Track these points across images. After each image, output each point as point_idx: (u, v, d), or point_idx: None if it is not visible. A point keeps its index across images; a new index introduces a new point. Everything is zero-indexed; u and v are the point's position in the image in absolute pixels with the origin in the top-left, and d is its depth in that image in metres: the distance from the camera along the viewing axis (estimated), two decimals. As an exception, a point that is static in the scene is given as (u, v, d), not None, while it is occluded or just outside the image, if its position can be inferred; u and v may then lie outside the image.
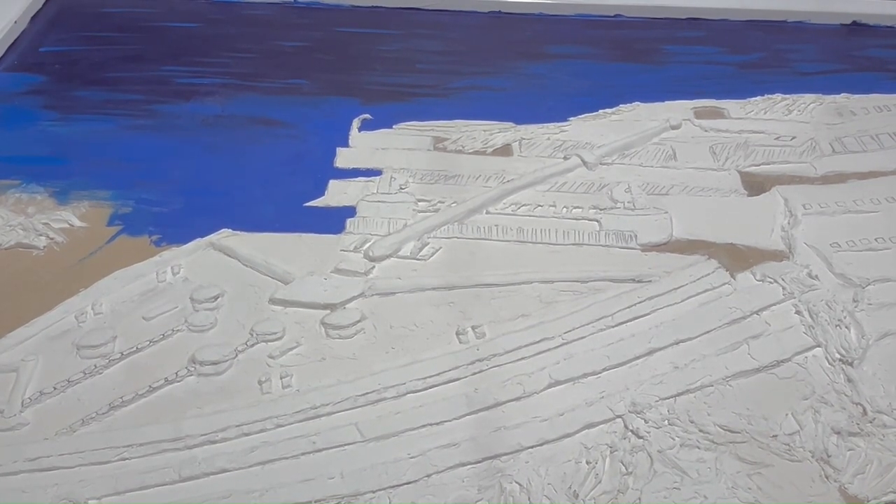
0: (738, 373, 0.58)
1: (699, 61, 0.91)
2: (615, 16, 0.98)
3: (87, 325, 0.60)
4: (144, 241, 0.68)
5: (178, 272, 0.65)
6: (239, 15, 0.97)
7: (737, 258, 0.66)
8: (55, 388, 0.56)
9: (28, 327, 0.60)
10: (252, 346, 0.59)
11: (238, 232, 0.68)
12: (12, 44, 0.91)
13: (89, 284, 0.63)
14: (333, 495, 0.51)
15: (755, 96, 0.84)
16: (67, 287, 0.63)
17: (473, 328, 0.61)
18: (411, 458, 0.53)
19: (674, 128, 0.80)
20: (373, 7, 0.99)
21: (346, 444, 0.53)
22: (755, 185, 0.74)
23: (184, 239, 0.67)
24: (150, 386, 0.56)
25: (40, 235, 0.68)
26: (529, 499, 0.51)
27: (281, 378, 0.57)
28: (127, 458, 0.52)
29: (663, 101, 0.84)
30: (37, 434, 0.54)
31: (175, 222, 0.69)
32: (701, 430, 0.54)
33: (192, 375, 0.57)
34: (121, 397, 0.56)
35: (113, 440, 0.53)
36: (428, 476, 0.52)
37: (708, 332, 0.60)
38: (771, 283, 0.64)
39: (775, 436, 0.54)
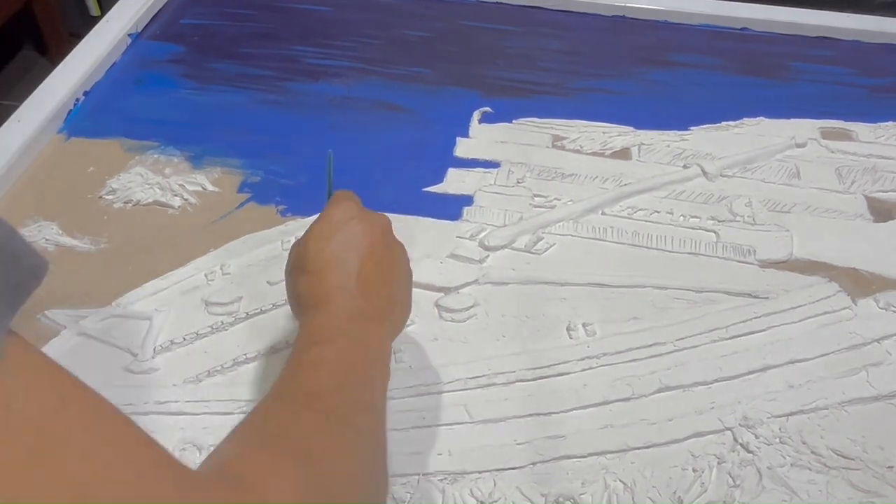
0: (855, 399, 0.56)
1: (828, 81, 0.88)
2: (742, 29, 0.96)
3: (216, 284, 0.64)
4: (271, 209, 0.71)
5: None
6: (367, 2, 1.00)
7: (859, 284, 0.65)
8: (184, 339, 0.60)
9: (162, 280, 0.64)
10: (368, 319, 0.61)
11: (359, 210, 0.70)
12: (156, 14, 0.96)
13: (219, 246, 0.67)
14: (440, 471, 0.52)
15: (887, 121, 0.82)
16: (199, 246, 0.67)
17: (584, 325, 0.61)
18: (518, 444, 0.54)
19: (799, 146, 0.78)
20: (497, 3, 1.00)
21: (454, 424, 0.55)
22: (883, 211, 0.72)
23: (308, 211, 0.70)
24: (271, 347, 0.59)
25: (175, 196, 0.72)
26: (633, 499, 0.51)
27: (394, 353, 0.59)
28: (247, 412, 0.55)
29: (789, 118, 0.82)
30: (166, 380, 0.57)
31: (300, 195, 0.72)
32: (813, 452, 0.53)
33: (311, 341, 0.59)
34: (244, 354, 0.59)
35: (235, 394, 0.56)
36: (533, 464, 0.53)
37: (825, 354, 0.59)
38: (895, 312, 0.62)
39: (891, 467, 0.53)
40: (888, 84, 0.88)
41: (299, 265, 0.49)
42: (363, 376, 0.44)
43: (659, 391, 0.57)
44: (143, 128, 0.79)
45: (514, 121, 0.81)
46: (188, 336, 0.60)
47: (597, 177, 0.74)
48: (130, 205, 0.71)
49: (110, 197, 0.71)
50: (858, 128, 0.81)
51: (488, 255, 0.67)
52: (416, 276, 0.63)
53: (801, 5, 0.98)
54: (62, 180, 0.73)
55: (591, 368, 0.58)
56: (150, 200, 0.71)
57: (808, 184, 0.74)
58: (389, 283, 0.49)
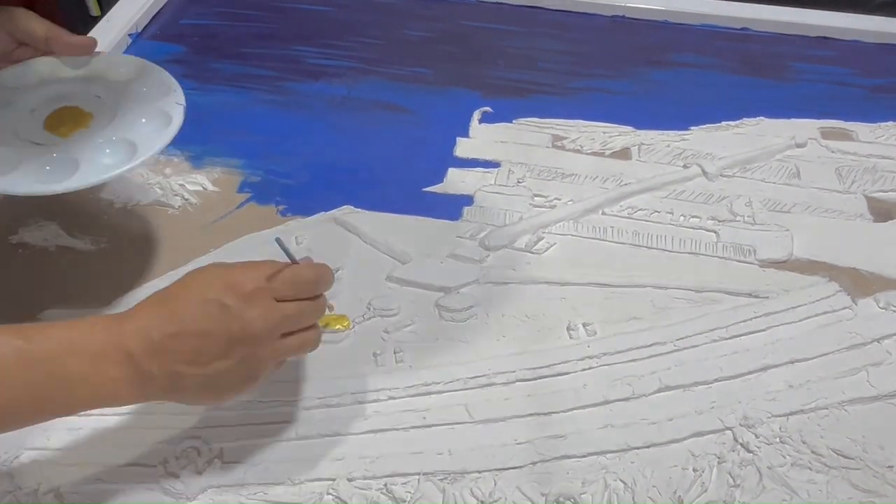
0: (855, 398, 0.56)
1: (828, 81, 0.88)
2: (742, 29, 0.96)
3: (216, 284, 0.64)
4: (271, 209, 0.71)
5: (301, 243, 0.67)
6: (367, 2, 1.00)
7: (859, 283, 0.65)
8: (185, 339, 0.60)
9: (162, 279, 0.64)
10: (369, 319, 0.61)
11: (359, 209, 0.70)
12: (156, 14, 0.96)
13: (219, 246, 0.67)
14: (441, 470, 0.52)
15: (887, 121, 0.82)
16: (199, 246, 0.67)
17: (584, 325, 0.61)
18: (518, 444, 0.54)
19: (799, 146, 0.78)
20: (497, 3, 1.00)
21: (454, 423, 0.55)
22: (883, 211, 0.72)
23: (308, 211, 0.70)
24: (272, 346, 0.59)
25: (176, 196, 0.72)
26: (634, 498, 0.51)
27: (395, 353, 0.59)
28: (248, 411, 0.55)
29: (789, 118, 0.82)
30: (166, 380, 0.57)
31: (300, 195, 0.72)
32: (813, 452, 0.53)
33: (311, 341, 0.60)
34: (245, 354, 0.59)
35: (236, 393, 0.56)
36: (533, 464, 0.53)
37: (825, 354, 0.59)
38: (895, 311, 0.62)
39: (891, 466, 0.53)
40: (888, 84, 0.88)
41: (182, 282, 0.46)
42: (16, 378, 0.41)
43: (659, 391, 0.57)
44: (143, 128, 0.79)
45: (514, 121, 0.81)
46: (188, 336, 0.60)
47: (597, 177, 0.74)
48: (131, 205, 0.71)
49: (110, 197, 0.71)
50: (858, 128, 0.81)
51: (488, 255, 0.67)
52: (417, 276, 0.64)
53: (801, 5, 0.98)
54: (62, 180, 0.73)
55: (591, 368, 0.58)
56: (151, 200, 0.71)
57: (809, 184, 0.74)
58: (192, 368, 0.44)
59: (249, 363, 0.45)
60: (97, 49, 0.63)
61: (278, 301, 0.46)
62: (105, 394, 0.43)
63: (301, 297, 0.47)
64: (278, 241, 0.48)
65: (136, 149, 0.56)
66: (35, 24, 0.61)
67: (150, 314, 0.44)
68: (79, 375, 0.42)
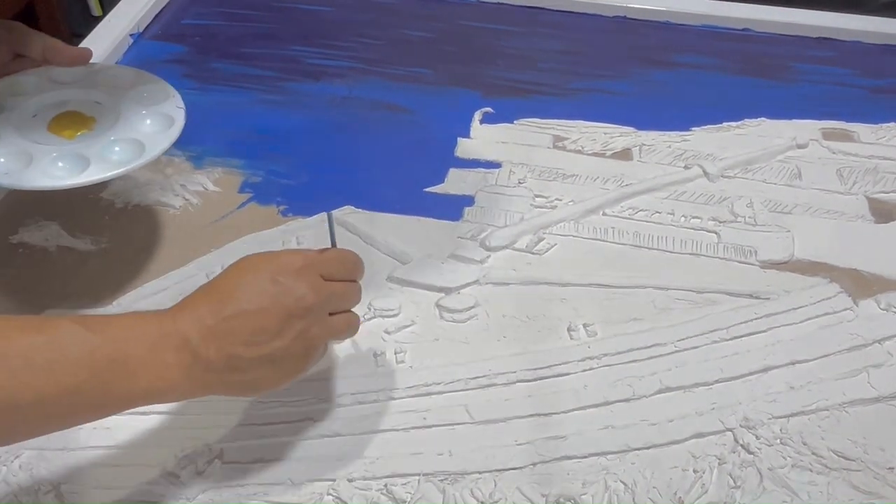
0: (855, 400, 0.56)
1: (829, 81, 0.88)
2: (743, 29, 0.96)
3: (217, 284, 0.64)
4: (272, 210, 0.71)
5: (302, 242, 0.67)
6: (367, 2, 1.00)
7: (860, 285, 0.65)
8: (185, 339, 0.60)
9: (163, 279, 0.64)
10: (369, 319, 0.61)
11: (360, 210, 0.70)
12: (157, 15, 0.96)
13: (221, 245, 0.67)
14: (441, 471, 0.52)
15: (888, 122, 0.82)
16: (200, 246, 0.67)
17: (585, 326, 0.61)
18: (518, 444, 0.54)
19: (800, 147, 0.78)
20: (498, 3, 1.00)
21: (455, 424, 0.55)
22: (883, 212, 0.72)
23: (309, 211, 0.70)
24: (272, 347, 0.59)
25: (176, 196, 0.72)
26: (634, 499, 0.51)
27: (395, 353, 0.59)
28: (248, 412, 0.55)
29: (790, 118, 0.82)
30: (167, 380, 0.57)
31: (301, 195, 0.72)
32: (814, 454, 0.53)
33: (312, 341, 0.60)
34: (245, 354, 0.59)
35: (236, 394, 0.56)
36: (534, 465, 0.53)
37: (826, 355, 0.59)
38: (895, 313, 0.62)
39: (892, 468, 0.53)
40: (889, 85, 0.88)
41: (228, 273, 0.46)
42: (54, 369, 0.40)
43: (660, 392, 0.57)
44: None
45: (515, 121, 0.81)
46: (189, 336, 0.60)
47: (598, 177, 0.74)
48: (131, 205, 0.71)
49: (111, 197, 0.71)
50: (860, 128, 0.81)
51: (489, 256, 0.67)
52: (418, 276, 0.64)
53: (802, 6, 0.98)
54: (63, 180, 0.73)
55: (591, 369, 0.58)
56: (151, 201, 0.71)
57: (810, 184, 0.74)
58: (251, 350, 0.44)
59: (304, 339, 0.45)
60: (92, 59, 0.64)
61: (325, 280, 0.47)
62: (164, 383, 0.42)
63: (346, 279, 0.49)
64: (329, 216, 0.50)
65: (144, 147, 0.58)
66: (33, 37, 0.63)
67: (201, 302, 0.44)
68: (139, 360, 0.42)
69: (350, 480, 0.51)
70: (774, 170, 0.76)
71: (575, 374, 0.58)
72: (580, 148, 0.78)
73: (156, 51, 0.90)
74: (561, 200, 0.72)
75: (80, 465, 0.52)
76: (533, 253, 0.67)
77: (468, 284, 0.64)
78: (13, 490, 0.51)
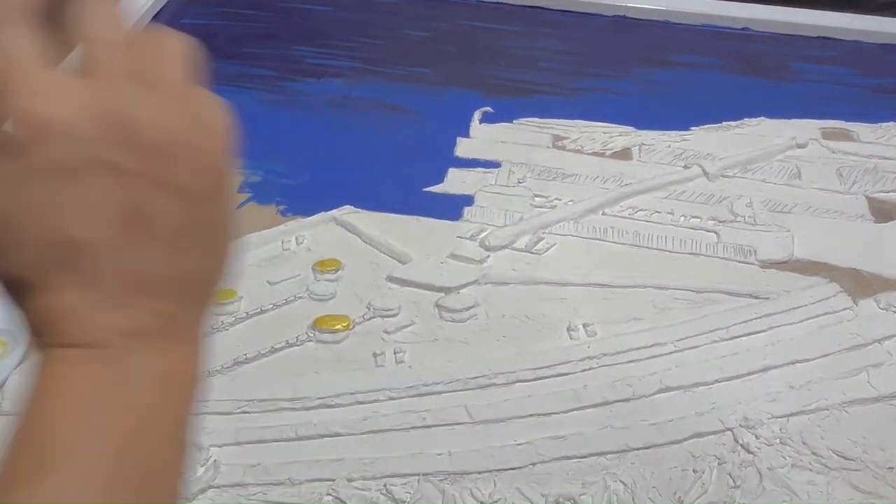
0: (855, 399, 0.56)
1: (829, 81, 0.88)
2: (743, 29, 0.96)
3: (216, 284, 0.64)
4: (271, 209, 0.71)
5: (301, 242, 0.67)
6: (367, 2, 1.00)
7: (860, 284, 0.64)
8: (184, 339, 0.60)
9: (162, 280, 0.64)
10: (369, 319, 0.61)
11: (360, 210, 0.70)
12: (156, 14, 0.96)
13: (220, 245, 0.67)
14: (440, 471, 0.52)
15: (888, 122, 0.82)
16: (199, 246, 0.67)
17: (584, 326, 0.61)
18: (518, 445, 0.54)
19: (800, 146, 0.78)
20: (498, 3, 1.00)
21: (454, 424, 0.55)
22: (883, 212, 0.72)
23: (308, 211, 0.70)
24: (272, 347, 0.59)
25: (176, 195, 0.72)
26: (634, 499, 0.51)
27: (395, 353, 0.59)
28: (247, 412, 0.55)
29: (790, 118, 0.82)
30: (166, 380, 0.57)
31: (301, 195, 0.72)
32: (814, 453, 0.53)
33: (311, 341, 0.60)
34: (244, 354, 0.58)
35: (236, 393, 0.56)
36: (533, 465, 0.53)
37: (826, 355, 0.59)
38: (895, 312, 0.62)
39: (892, 468, 0.53)
40: (889, 84, 0.88)
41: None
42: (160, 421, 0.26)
43: (659, 392, 0.56)
44: (143, 128, 0.79)
45: (514, 121, 0.81)
46: (188, 336, 0.60)
47: (597, 177, 0.74)
48: (131, 205, 0.71)
49: (111, 197, 0.71)
50: (859, 128, 0.81)
51: (489, 256, 0.67)
52: (417, 276, 0.64)
53: (801, 5, 0.98)
54: (63, 180, 0.73)
55: (591, 369, 0.58)
56: (151, 200, 0.71)
57: (809, 184, 0.74)
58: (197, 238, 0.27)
59: None
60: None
61: None
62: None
63: None
64: None
65: None
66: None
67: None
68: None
69: (349, 480, 0.51)
70: (774, 169, 0.76)
71: (574, 374, 0.58)
72: (580, 147, 0.78)
73: (155, 51, 0.90)
74: (560, 200, 0.72)
75: (79, 465, 0.52)
76: (532, 253, 0.67)
77: (468, 284, 0.64)
78: (12, 490, 0.51)
